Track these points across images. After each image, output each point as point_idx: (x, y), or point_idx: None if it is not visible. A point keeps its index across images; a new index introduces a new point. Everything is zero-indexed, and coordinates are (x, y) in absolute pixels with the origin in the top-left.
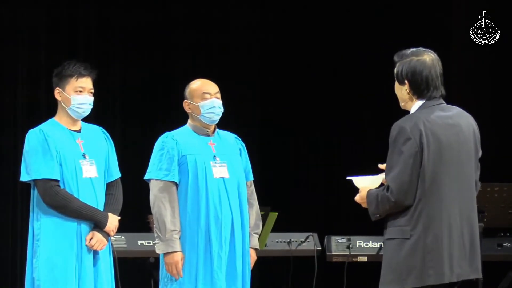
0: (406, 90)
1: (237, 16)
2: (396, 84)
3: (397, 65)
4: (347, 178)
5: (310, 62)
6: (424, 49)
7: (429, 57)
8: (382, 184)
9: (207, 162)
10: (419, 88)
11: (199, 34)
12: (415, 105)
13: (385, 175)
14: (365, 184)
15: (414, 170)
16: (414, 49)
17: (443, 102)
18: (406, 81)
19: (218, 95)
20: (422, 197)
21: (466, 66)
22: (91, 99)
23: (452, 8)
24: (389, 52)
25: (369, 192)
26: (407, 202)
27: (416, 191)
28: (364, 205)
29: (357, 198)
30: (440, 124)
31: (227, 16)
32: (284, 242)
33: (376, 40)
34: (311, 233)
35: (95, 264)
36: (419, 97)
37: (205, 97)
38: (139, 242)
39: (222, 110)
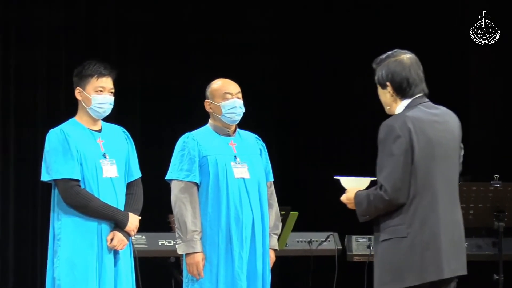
0: (389, 92)
1: (253, 16)
2: (379, 89)
3: (376, 71)
4: (335, 177)
5: (332, 61)
6: (400, 50)
7: (406, 56)
8: (369, 187)
9: (227, 163)
10: (401, 87)
11: (217, 34)
12: (399, 106)
13: (377, 175)
14: (353, 185)
15: (405, 168)
16: (390, 52)
17: (428, 100)
18: (388, 83)
19: (239, 95)
20: (416, 194)
21: (466, 66)
22: (111, 98)
23: (452, 8)
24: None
25: (358, 193)
26: (401, 200)
27: (409, 188)
28: (350, 206)
29: (343, 198)
30: (427, 122)
31: (244, 15)
32: (305, 241)
33: (377, 40)
34: (331, 233)
35: (115, 264)
36: (403, 97)
37: (227, 97)
38: (160, 242)
39: (243, 110)
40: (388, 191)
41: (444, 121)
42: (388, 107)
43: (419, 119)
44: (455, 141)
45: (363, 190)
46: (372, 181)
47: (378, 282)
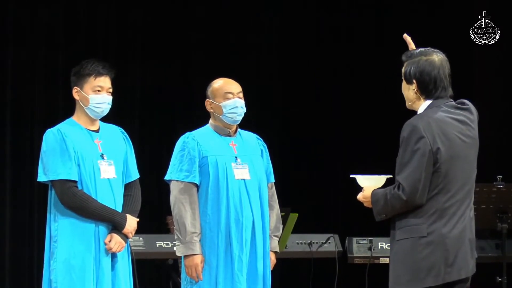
0: (414, 89)
1: (256, 18)
2: (404, 84)
3: (405, 65)
4: (351, 176)
5: (332, 61)
6: (432, 49)
7: (437, 57)
8: (385, 185)
9: (228, 163)
10: (427, 88)
11: (218, 35)
12: (423, 105)
13: (397, 173)
14: (369, 183)
15: (426, 169)
16: (423, 49)
17: (452, 100)
18: (414, 81)
19: (241, 95)
20: (437, 194)
21: (466, 66)
22: (109, 98)
23: (452, 8)
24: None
25: (374, 192)
26: (418, 201)
27: (429, 189)
28: (367, 204)
29: (359, 196)
30: (451, 123)
31: (245, 16)
32: (305, 243)
33: (377, 40)
34: (332, 235)
35: (113, 266)
36: (427, 97)
37: (228, 97)
38: (158, 244)
39: (244, 110)
40: (406, 191)
41: (467, 122)
42: (410, 103)
43: (443, 121)
44: (475, 141)
45: (380, 188)
46: (388, 179)
47: (394, 282)
